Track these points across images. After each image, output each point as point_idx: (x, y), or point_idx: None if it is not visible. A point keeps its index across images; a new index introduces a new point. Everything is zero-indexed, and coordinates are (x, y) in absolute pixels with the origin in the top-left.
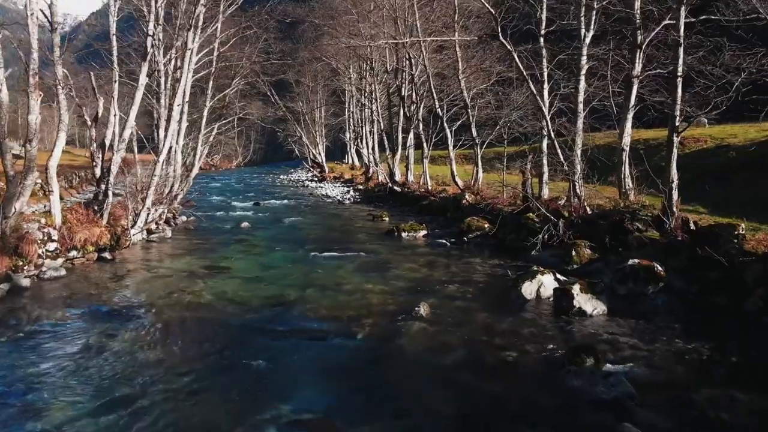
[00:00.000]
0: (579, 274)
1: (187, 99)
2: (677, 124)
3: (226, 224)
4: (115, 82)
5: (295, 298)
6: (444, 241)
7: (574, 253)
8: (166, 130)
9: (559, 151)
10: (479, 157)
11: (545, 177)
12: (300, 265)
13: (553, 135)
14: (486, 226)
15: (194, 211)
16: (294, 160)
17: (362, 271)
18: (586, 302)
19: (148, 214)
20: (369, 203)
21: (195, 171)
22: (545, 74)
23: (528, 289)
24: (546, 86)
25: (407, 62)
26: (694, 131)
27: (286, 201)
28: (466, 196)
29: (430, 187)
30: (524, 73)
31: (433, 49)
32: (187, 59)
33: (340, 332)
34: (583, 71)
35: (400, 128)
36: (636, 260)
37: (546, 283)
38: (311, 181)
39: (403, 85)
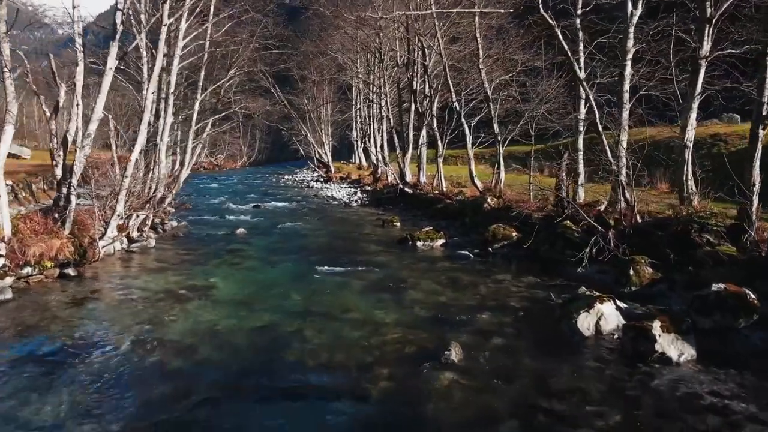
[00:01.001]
0: (639, 298)
1: (172, 90)
2: (765, 113)
3: (220, 230)
4: (79, 64)
5: (289, 335)
6: (466, 252)
7: (632, 272)
8: (140, 123)
9: (607, 148)
10: (501, 155)
11: (581, 178)
12: (298, 285)
13: (600, 128)
14: (514, 234)
15: (189, 215)
16: (300, 160)
17: (373, 293)
18: (669, 345)
19: (130, 220)
20: (378, 206)
21: (186, 171)
22: (581, 60)
23: (585, 323)
24: (582, 74)
25: (419, 53)
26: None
27: (288, 203)
28: (488, 200)
29: (444, 189)
30: (568, 52)
31: (448, 39)
32: (162, 38)
33: (345, 389)
34: (629, 55)
35: (411, 125)
36: (721, 285)
37: (607, 315)
38: (316, 181)
39: (415, 78)
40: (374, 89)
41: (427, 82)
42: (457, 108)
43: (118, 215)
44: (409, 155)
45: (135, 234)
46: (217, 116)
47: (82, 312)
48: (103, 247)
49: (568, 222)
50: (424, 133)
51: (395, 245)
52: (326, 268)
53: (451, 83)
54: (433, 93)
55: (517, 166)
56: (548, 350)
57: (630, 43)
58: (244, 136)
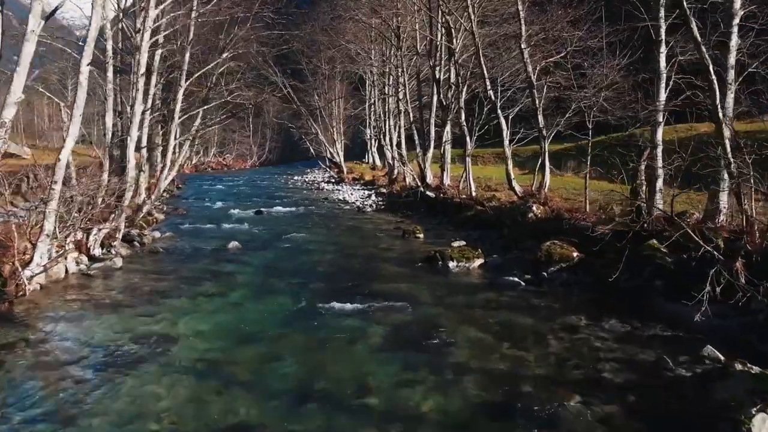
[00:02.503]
0: None
1: (142, 72)
2: None
3: (210, 243)
4: None
5: None
6: (514, 278)
7: None
8: (73, 107)
9: (727, 142)
10: (546, 153)
11: (659, 182)
12: (294, 336)
13: (721, 114)
14: (575, 255)
15: (181, 222)
16: (311, 160)
17: (399, 351)
18: None
19: (90, 235)
20: (395, 211)
21: (171, 173)
22: (662, 30)
23: None
24: (663, 48)
25: (444, 34)
26: None
27: (294, 208)
28: (533, 208)
29: (474, 193)
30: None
31: (481, 14)
32: None
33: None
34: (736, 19)
35: (432, 120)
36: None
37: None
38: (327, 182)
39: (438, 66)
40: (391, 81)
41: (453, 70)
42: (492, 97)
43: (47, 235)
44: (430, 154)
45: (97, 251)
46: (207, 106)
47: None
48: (33, 276)
49: (654, 241)
50: (448, 128)
51: (421, 266)
52: (334, 305)
53: (485, 67)
54: (461, 81)
55: (550, 167)
56: None
57: (737, 4)
58: (254, 135)
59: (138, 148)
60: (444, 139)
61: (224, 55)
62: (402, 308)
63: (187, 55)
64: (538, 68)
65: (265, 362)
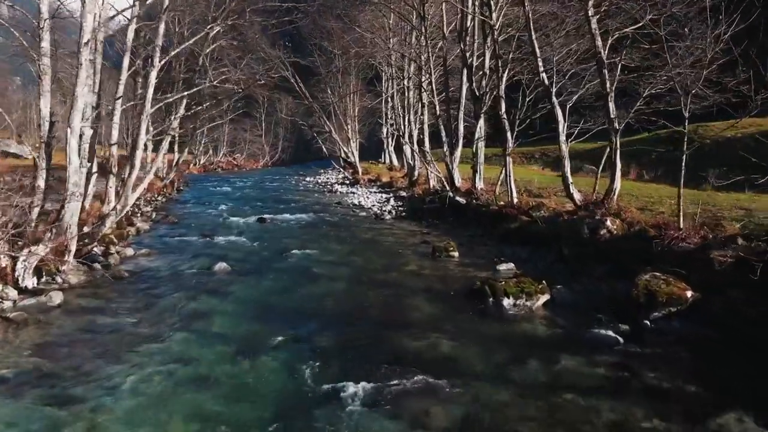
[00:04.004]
0: None
1: (86, 39)
2: None
3: (192, 264)
4: None
5: None
6: (605, 331)
7: None
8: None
9: None
10: (618, 149)
11: None
12: None
13: None
14: (688, 294)
15: (167, 233)
16: (324, 160)
17: None
18: None
19: (17, 262)
20: (418, 219)
21: (145, 176)
22: None
23: None
24: None
25: (477, 9)
26: None
27: (303, 215)
28: (607, 222)
29: (515, 200)
30: None
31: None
32: None
33: None
34: None
35: (461, 114)
36: None
37: None
38: (341, 184)
39: (470, 51)
40: (412, 69)
41: (488, 53)
42: (545, 81)
43: None
44: (458, 153)
45: (30, 282)
46: (192, 91)
47: None
48: None
49: None
50: (481, 123)
51: (463, 303)
52: (345, 387)
53: (536, 43)
54: (500, 65)
55: (592, 167)
56: None
57: None
58: (266, 134)
59: (110, 145)
60: (476, 136)
61: (216, 29)
62: (447, 393)
63: (162, 26)
64: (609, 41)
65: None
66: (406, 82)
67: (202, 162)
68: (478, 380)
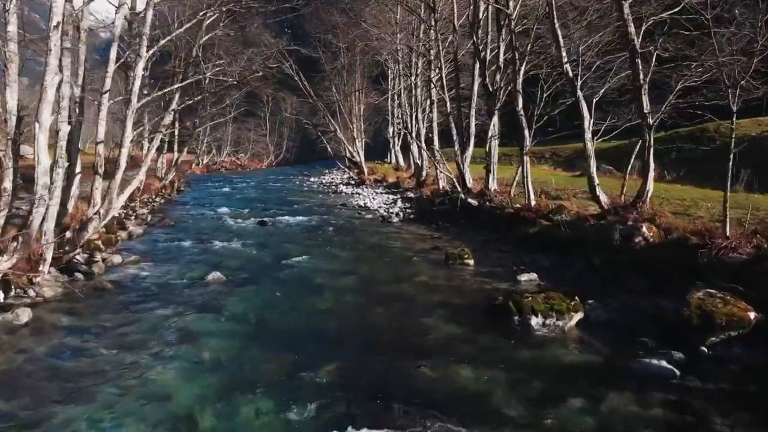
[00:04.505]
0: None
1: (56, 22)
2: None
3: (184, 273)
4: None
5: None
6: (657, 360)
7: None
8: None
9: None
10: (651, 147)
11: None
12: None
13: None
14: (751, 315)
15: (162, 238)
16: (329, 160)
17: None
18: None
19: None
20: (428, 222)
21: (134, 179)
22: None
23: None
24: None
25: None
26: None
27: (306, 218)
28: (643, 229)
29: (533, 202)
30: None
31: None
32: None
33: None
34: None
35: (473, 111)
36: None
37: None
38: (346, 185)
39: (482, 44)
40: (421, 64)
41: (503, 46)
42: (569, 74)
43: None
44: (470, 152)
45: None
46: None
47: None
48: None
49: None
50: (495, 120)
51: (484, 322)
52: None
53: (559, 32)
54: (518, 58)
55: (609, 168)
56: None
57: None
58: (270, 134)
59: (96, 143)
60: (490, 134)
61: (210, 17)
62: None
63: (150, 14)
64: (644, 27)
65: None
66: (413, 79)
67: (205, 162)
68: (509, 426)
